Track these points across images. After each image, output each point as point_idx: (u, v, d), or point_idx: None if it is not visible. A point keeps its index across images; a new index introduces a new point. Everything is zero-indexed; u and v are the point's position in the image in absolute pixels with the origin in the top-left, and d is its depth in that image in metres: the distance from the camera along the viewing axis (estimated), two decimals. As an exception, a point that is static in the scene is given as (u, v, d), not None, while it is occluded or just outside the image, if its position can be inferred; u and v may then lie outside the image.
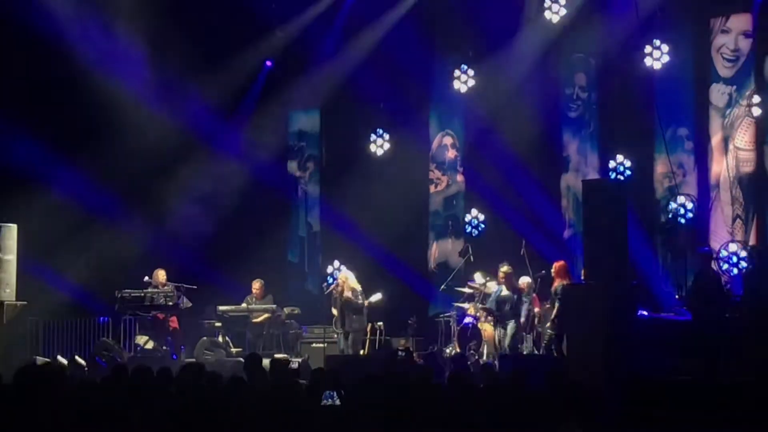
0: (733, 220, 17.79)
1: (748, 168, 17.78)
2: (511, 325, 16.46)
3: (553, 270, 16.10)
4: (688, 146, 18.35)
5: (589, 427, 7.14)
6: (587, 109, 19.40)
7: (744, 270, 16.71)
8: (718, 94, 18.08)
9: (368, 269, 18.56)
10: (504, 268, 16.72)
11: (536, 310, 16.82)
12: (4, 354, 15.96)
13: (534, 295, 16.95)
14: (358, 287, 17.25)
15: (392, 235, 19.89)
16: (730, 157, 17.86)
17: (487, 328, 17.15)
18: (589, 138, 19.35)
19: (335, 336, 17.58)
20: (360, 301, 17.12)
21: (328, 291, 17.94)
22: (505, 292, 16.62)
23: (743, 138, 17.82)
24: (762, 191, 17.64)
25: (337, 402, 8.83)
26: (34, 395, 6.53)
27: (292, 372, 10.88)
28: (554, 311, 15.65)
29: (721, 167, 17.96)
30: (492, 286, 17.17)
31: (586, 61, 19.29)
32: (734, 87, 17.94)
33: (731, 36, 18.01)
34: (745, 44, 17.88)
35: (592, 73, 19.28)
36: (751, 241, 17.38)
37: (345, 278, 17.35)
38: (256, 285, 18.59)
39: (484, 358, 16.75)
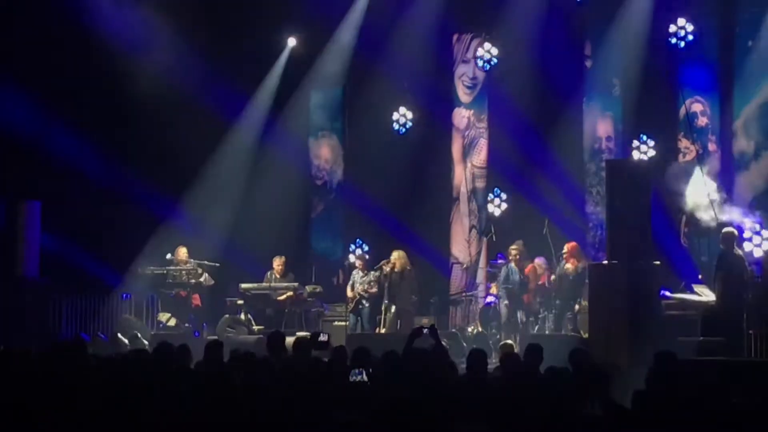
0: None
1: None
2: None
3: (565, 251, 16.21)
4: (712, 124, 18.28)
5: (610, 406, 7.13)
6: (611, 85, 19.27)
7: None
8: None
9: (391, 247, 18.49)
10: (513, 247, 16.80)
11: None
12: (27, 331, 16.03)
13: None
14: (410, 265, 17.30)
15: (415, 214, 19.87)
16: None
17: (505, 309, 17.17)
18: (613, 117, 19.23)
19: (347, 321, 17.53)
20: (413, 278, 17.17)
21: (378, 267, 17.68)
22: (515, 270, 16.66)
23: None
24: None
25: (365, 379, 8.84)
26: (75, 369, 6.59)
27: (322, 344, 10.92)
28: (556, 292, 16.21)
29: (742, 145, 17.93)
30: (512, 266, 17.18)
31: (609, 36, 19.13)
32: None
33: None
34: None
35: (616, 51, 19.11)
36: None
37: (399, 256, 17.30)
38: (278, 262, 18.44)
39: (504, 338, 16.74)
